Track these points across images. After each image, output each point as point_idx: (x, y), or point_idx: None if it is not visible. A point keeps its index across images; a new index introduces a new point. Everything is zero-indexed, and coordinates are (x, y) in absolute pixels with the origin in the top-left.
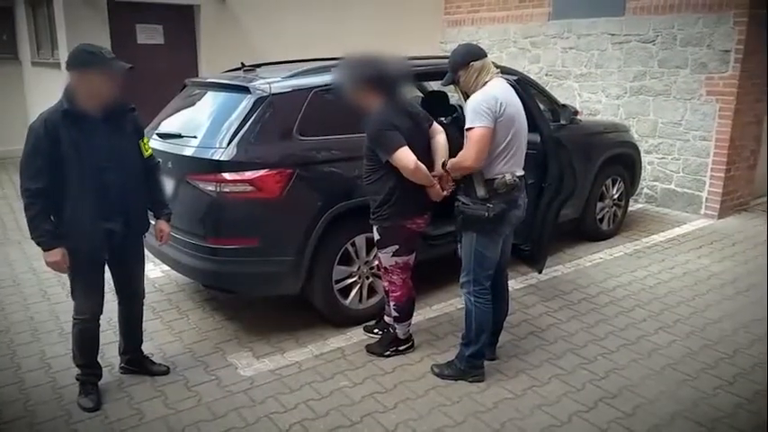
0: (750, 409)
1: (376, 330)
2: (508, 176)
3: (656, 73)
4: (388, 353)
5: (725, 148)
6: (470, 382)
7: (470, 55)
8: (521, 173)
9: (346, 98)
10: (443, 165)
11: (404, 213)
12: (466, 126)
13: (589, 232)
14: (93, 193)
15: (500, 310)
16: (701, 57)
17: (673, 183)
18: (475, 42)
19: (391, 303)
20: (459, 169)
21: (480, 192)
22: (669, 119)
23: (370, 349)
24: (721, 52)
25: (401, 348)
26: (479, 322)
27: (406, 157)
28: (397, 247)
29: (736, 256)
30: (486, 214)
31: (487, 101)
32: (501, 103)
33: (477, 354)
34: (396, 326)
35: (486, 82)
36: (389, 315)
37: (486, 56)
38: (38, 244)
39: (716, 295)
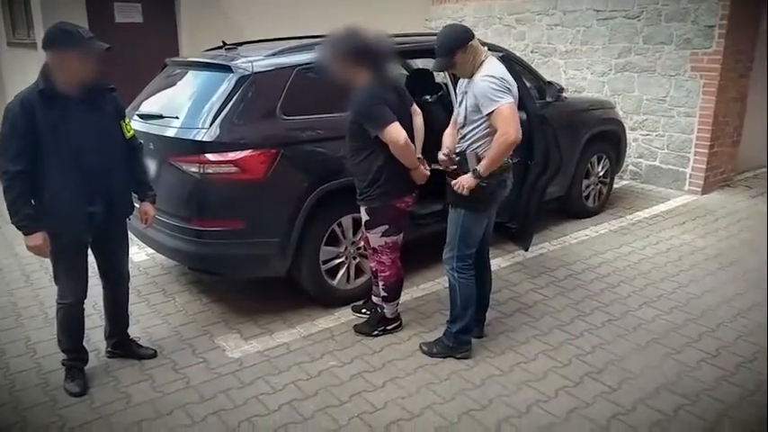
0: (733, 381)
1: (364, 310)
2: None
3: (640, 49)
4: (376, 332)
5: (708, 125)
6: (458, 358)
7: (466, 34)
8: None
9: (332, 74)
10: (475, 172)
11: (393, 192)
12: (489, 109)
13: (575, 209)
14: (73, 175)
15: (484, 287)
16: (686, 32)
17: (657, 159)
18: (460, 20)
19: (380, 283)
20: (503, 151)
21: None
22: (654, 95)
23: (359, 329)
24: (706, 28)
25: (389, 328)
26: (464, 297)
27: (396, 132)
28: (386, 227)
29: (720, 232)
30: (478, 193)
31: (501, 81)
32: (510, 83)
33: (464, 329)
34: (384, 305)
35: (483, 61)
36: (378, 295)
37: (475, 36)
38: (18, 228)
39: (699, 270)
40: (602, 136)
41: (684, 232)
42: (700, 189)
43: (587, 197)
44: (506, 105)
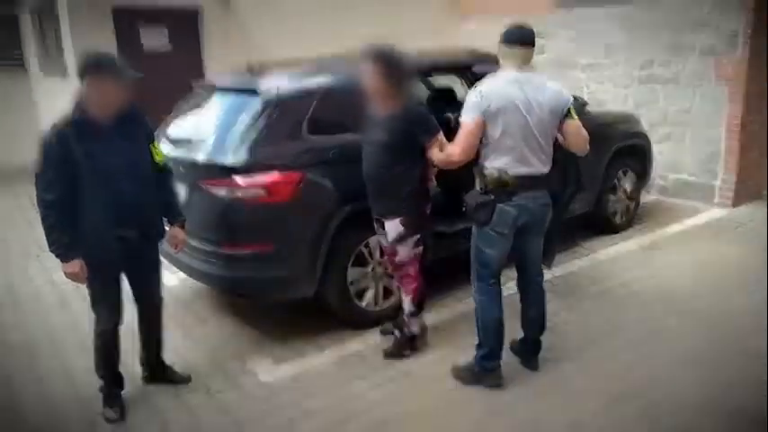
0: None
1: (395, 332)
2: (495, 173)
3: (663, 60)
4: (407, 352)
5: (736, 134)
6: (488, 386)
7: (502, 35)
8: (521, 171)
9: (368, 91)
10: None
11: (426, 199)
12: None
13: (602, 225)
14: (107, 201)
15: (526, 316)
16: (709, 40)
17: (685, 172)
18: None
19: (408, 297)
20: (441, 159)
21: (478, 185)
22: (679, 106)
23: (389, 354)
24: (729, 35)
25: (417, 344)
26: (482, 320)
27: (444, 138)
28: (419, 235)
29: (753, 245)
30: (472, 203)
31: (472, 96)
32: (484, 96)
33: (488, 356)
34: (411, 321)
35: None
36: (406, 313)
37: (520, 45)
38: (56, 256)
39: (734, 285)
40: (628, 150)
41: (717, 246)
42: (730, 201)
43: (615, 213)
44: (463, 123)
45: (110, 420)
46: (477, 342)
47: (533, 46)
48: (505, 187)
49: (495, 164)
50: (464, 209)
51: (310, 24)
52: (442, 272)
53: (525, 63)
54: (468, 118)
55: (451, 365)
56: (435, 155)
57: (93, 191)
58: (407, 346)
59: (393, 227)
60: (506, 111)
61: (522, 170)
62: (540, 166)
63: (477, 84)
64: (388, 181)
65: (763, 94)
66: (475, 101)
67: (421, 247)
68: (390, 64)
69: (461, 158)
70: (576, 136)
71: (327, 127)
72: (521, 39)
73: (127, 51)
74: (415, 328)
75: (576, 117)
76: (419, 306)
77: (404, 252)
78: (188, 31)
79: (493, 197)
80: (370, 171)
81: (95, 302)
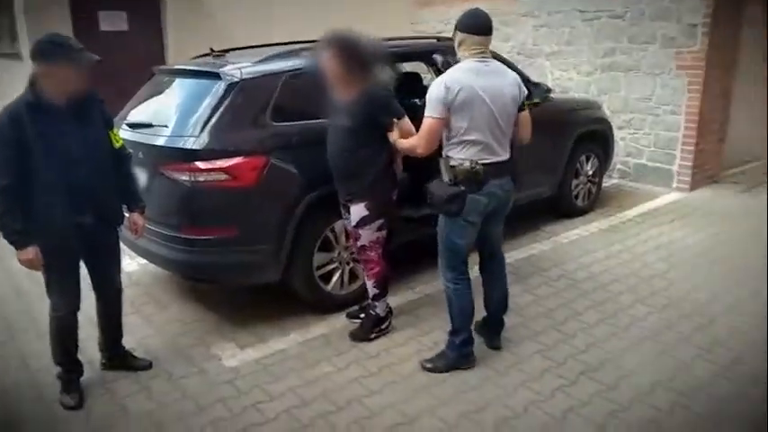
0: (728, 376)
1: (362, 315)
2: (467, 164)
3: (625, 49)
4: (373, 335)
5: (694, 122)
6: (464, 369)
7: (459, 22)
8: (489, 159)
9: (331, 78)
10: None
11: (393, 184)
12: (425, 114)
13: (565, 209)
14: (62, 186)
15: (491, 297)
16: (670, 31)
17: (644, 157)
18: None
19: (371, 281)
20: (404, 147)
21: (445, 177)
22: (640, 94)
23: (355, 336)
24: (689, 26)
25: (383, 327)
26: (459, 308)
27: (410, 122)
28: (382, 220)
29: (709, 228)
30: (442, 194)
31: (437, 89)
32: (449, 89)
33: (466, 341)
34: (376, 304)
35: (457, 61)
36: (370, 296)
37: (478, 33)
38: (10, 243)
39: (690, 267)
40: (591, 135)
41: (674, 229)
42: (688, 186)
43: (577, 196)
44: (426, 120)
45: (68, 407)
46: (451, 330)
47: (491, 34)
48: (476, 177)
49: (463, 154)
50: (429, 200)
51: (278, 10)
52: (407, 255)
53: (485, 50)
54: (431, 113)
55: (419, 360)
56: (399, 143)
57: (48, 175)
58: (373, 328)
59: (357, 210)
60: (472, 102)
61: (490, 159)
62: (503, 153)
63: (444, 74)
64: (352, 165)
65: (721, 84)
66: (439, 95)
67: (384, 232)
68: (349, 50)
69: (424, 152)
70: (527, 125)
71: (293, 112)
72: (478, 26)
73: (85, 35)
74: (380, 311)
75: (526, 109)
76: (383, 289)
77: (366, 235)
78: (149, 16)
79: (463, 188)
80: (335, 155)
81: (51, 288)
